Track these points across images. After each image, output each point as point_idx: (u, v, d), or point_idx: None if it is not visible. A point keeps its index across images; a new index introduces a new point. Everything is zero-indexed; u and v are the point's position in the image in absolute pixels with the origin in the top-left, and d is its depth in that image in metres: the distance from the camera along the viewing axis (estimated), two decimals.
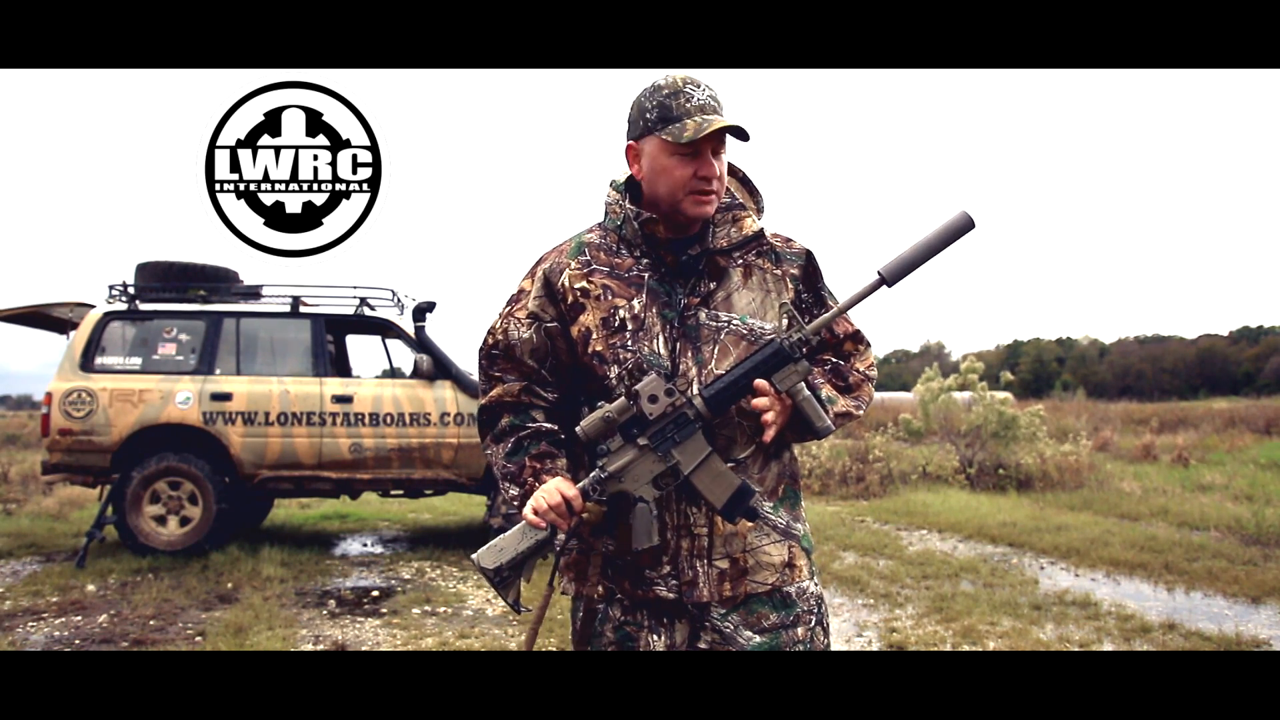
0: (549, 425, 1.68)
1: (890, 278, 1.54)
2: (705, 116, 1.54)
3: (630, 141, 1.64)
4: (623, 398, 1.54)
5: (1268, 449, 13.86)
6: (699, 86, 1.58)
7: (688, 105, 1.55)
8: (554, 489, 1.56)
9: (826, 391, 1.63)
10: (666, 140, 1.55)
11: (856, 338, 1.74)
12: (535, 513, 1.55)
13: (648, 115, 1.58)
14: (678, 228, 1.64)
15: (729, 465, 1.58)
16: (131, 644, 4.47)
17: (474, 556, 1.61)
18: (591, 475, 1.57)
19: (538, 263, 1.70)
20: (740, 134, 1.56)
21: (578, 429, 1.56)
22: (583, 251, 1.67)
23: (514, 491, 1.65)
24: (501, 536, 1.60)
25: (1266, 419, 18.63)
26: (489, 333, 1.72)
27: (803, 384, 1.56)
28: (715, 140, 1.56)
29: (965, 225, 1.55)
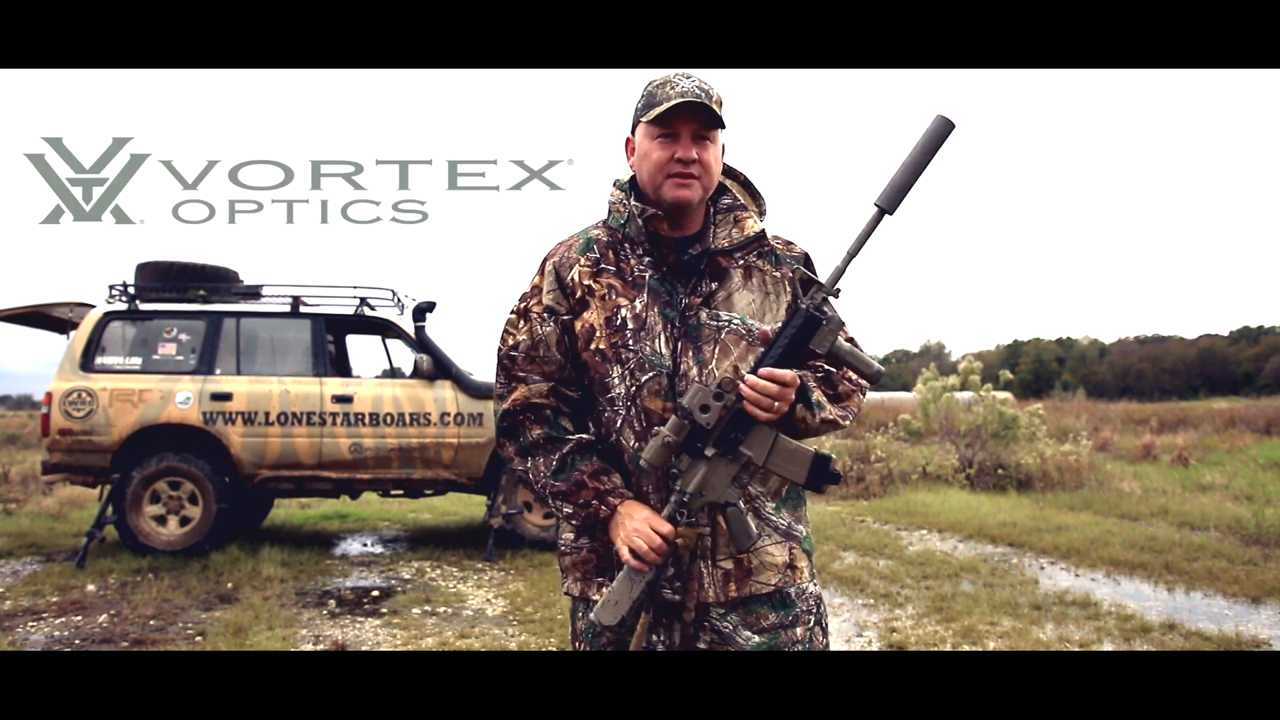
0: (587, 437, 1.65)
1: (889, 205, 1.51)
2: (683, 100, 1.56)
3: (628, 135, 1.68)
4: (674, 417, 1.51)
5: (1268, 449, 13.86)
6: (689, 78, 1.60)
7: (670, 92, 1.58)
8: (646, 528, 1.53)
9: (816, 396, 1.61)
10: (647, 124, 1.60)
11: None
12: (637, 555, 1.52)
13: (638, 105, 1.64)
14: (679, 223, 1.64)
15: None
16: (131, 644, 4.47)
17: (593, 617, 1.57)
18: (672, 501, 1.54)
19: (546, 258, 1.70)
20: (708, 114, 1.57)
21: (641, 462, 1.53)
22: (591, 248, 1.67)
23: (568, 510, 1.62)
24: (611, 589, 1.56)
25: (1266, 419, 18.62)
26: (506, 334, 1.69)
27: (839, 339, 1.54)
28: (695, 125, 1.58)
29: (945, 129, 1.50)
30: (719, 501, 1.54)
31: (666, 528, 1.52)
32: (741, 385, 1.50)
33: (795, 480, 1.55)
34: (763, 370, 1.50)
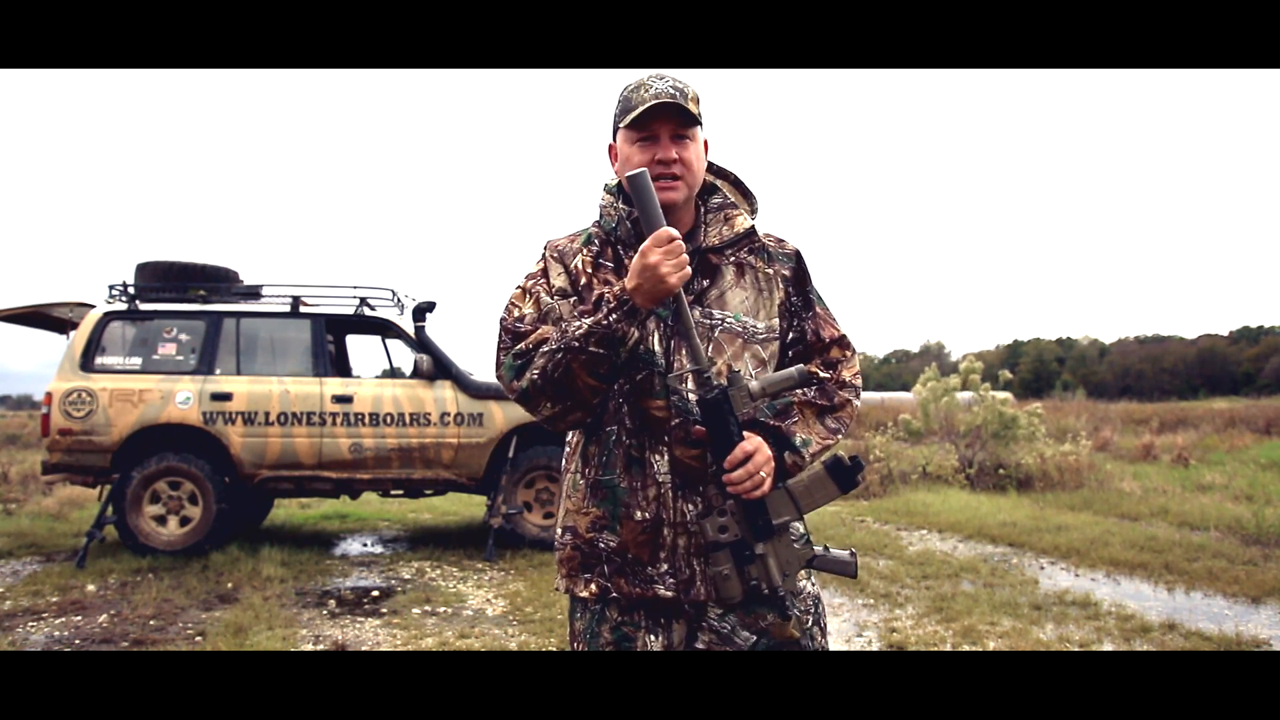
0: None
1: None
2: (657, 101, 1.57)
3: (610, 142, 1.70)
4: (712, 553, 1.54)
5: (1268, 449, 13.86)
6: (662, 79, 1.61)
7: (644, 95, 1.59)
8: (651, 249, 1.46)
9: (799, 435, 1.62)
10: (625, 128, 1.61)
11: (842, 343, 1.74)
12: (672, 260, 1.46)
13: (616, 112, 1.65)
14: (669, 224, 1.64)
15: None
16: (131, 644, 4.47)
17: None
18: (779, 603, 1.58)
19: (546, 247, 1.70)
20: (683, 113, 1.57)
21: (726, 601, 1.57)
22: (592, 242, 1.69)
23: (587, 326, 1.50)
24: None
25: (1266, 419, 18.63)
26: (512, 306, 1.64)
27: (753, 385, 1.54)
28: (672, 125, 1.59)
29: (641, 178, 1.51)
30: (807, 557, 1.58)
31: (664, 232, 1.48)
32: (728, 488, 1.53)
33: (832, 498, 1.58)
34: (726, 464, 1.52)
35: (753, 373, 1.63)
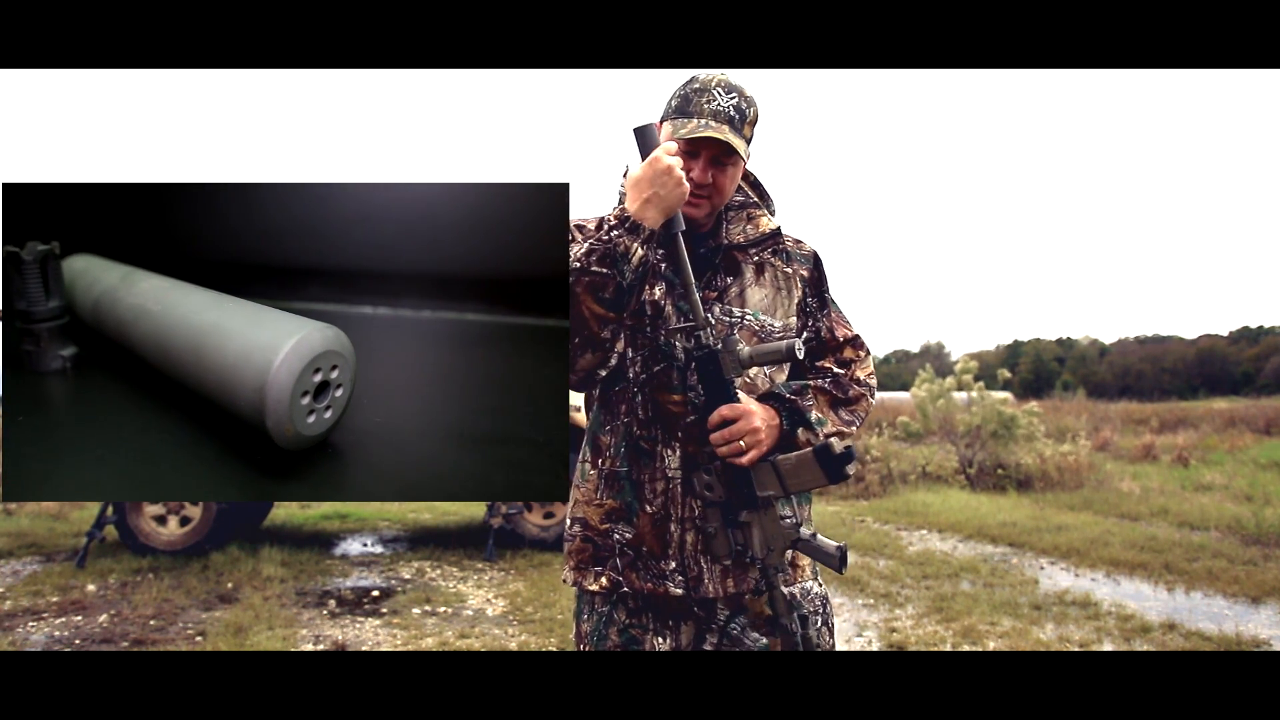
0: None
1: (680, 226, 1.54)
2: (712, 123, 1.53)
3: (659, 120, 1.64)
4: (703, 508, 1.55)
5: (1268, 449, 13.87)
6: (728, 94, 1.56)
7: (705, 106, 1.55)
8: (648, 166, 1.46)
9: (815, 414, 1.61)
10: (672, 127, 1.57)
11: (855, 343, 1.73)
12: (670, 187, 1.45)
13: (673, 101, 1.60)
14: (689, 221, 1.63)
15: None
16: (131, 644, 4.48)
17: None
18: (760, 571, 1.56)
19: (572, 226, 1.67)
20: (725, 148, 1.55)
21: (720, 559, 1.56)
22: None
23: (591, 244, 1.49)
24: None
25: (1266, 419, 18.63)
26: None
27: (744, 350, 1.52)
28: (716, 149, 1.56)
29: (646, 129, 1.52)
30: (788, 544, 1.56)
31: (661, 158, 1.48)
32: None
33: (822, 485, 1.55)
34: (710, 422, 1.51)
35: (767, 372, 1.63)
